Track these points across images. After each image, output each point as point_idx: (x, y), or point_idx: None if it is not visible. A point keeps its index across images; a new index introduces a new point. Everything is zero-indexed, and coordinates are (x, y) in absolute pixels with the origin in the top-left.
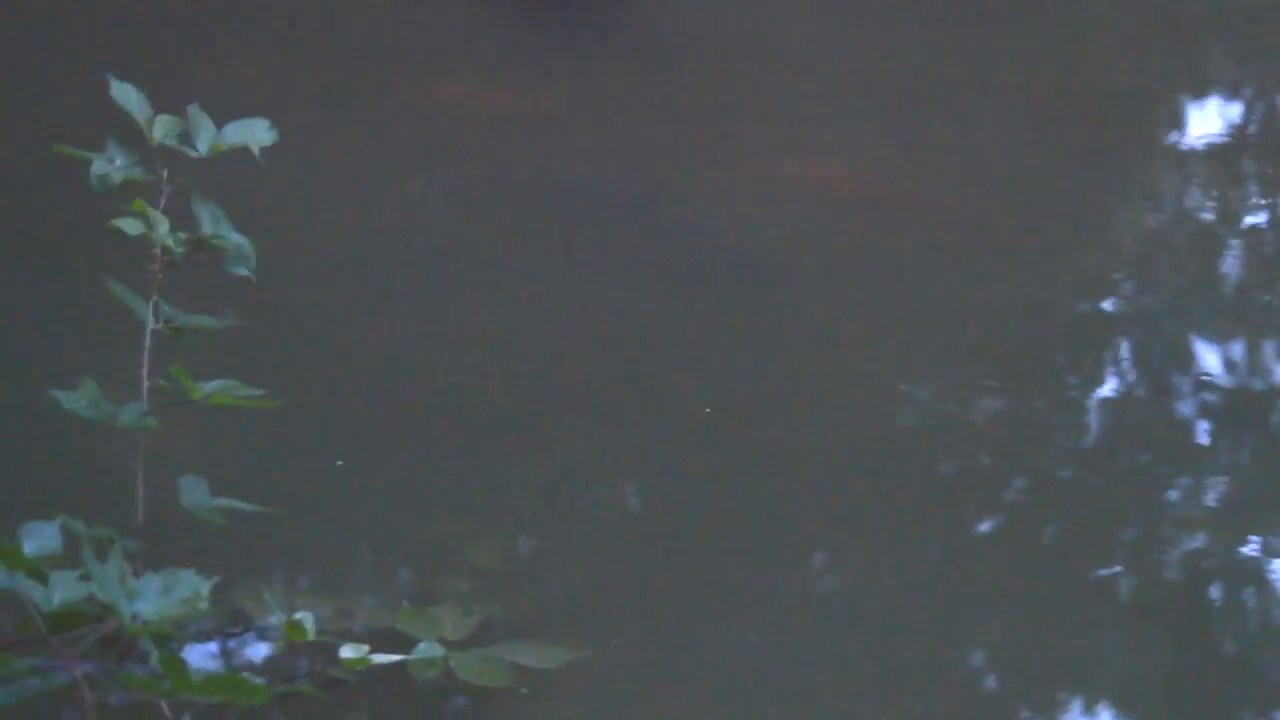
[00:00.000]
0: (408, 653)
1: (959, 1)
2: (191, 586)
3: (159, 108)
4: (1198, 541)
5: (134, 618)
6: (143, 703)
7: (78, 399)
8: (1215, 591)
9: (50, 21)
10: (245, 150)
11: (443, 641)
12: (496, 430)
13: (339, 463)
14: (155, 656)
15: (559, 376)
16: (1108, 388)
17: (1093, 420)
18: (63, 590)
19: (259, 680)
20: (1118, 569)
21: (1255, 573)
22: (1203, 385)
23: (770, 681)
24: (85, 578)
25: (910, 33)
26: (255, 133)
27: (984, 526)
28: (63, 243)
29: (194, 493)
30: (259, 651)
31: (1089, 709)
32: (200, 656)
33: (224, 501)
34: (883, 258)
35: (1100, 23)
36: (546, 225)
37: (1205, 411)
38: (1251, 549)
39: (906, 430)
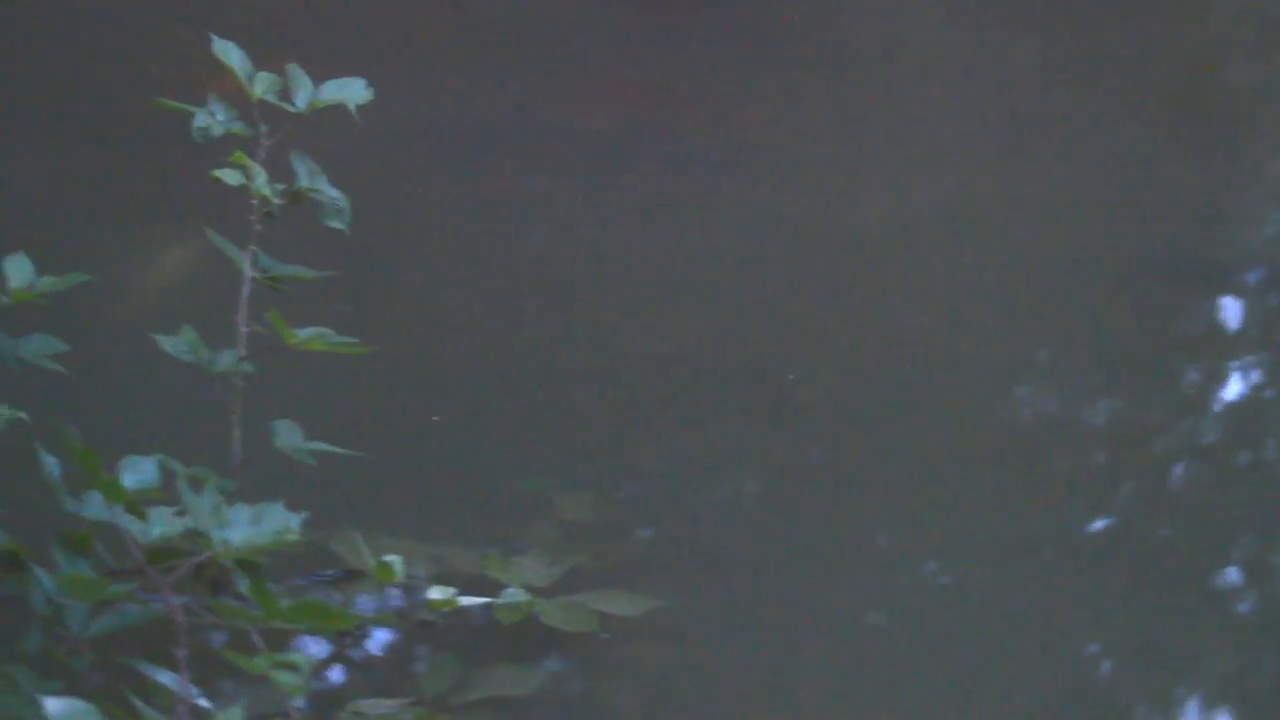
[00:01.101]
0: (494, 598)
1: (1078, 5)
2: (282, 519)
3: (259, 63)
4: None
5: (225, 545)
6: (236, 632)
7: (178, 343)
8: None
9: None
10: (343, 108)
11: (528, 588)
12: (586, 387)
13: (435, 418)
14: (246, 586)
15: (647, 337)
16: (1230, 386)
17: (1211, 418)
18: (160, 524)
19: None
20: (1234, 573)
21: None
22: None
23: (837, 645)
24: (181, 513)
25: (1032, 33)
26: (352, 91)
27: (1096, 527)
28: (165, 193)
29: (288, 435)
30: (350, 592)
31: (1200, 718)
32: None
33: (317, 445)
34: (1002, 254)
35: (1225, 21)
36: (640, 181)
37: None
38: None
39: (1020, 427)
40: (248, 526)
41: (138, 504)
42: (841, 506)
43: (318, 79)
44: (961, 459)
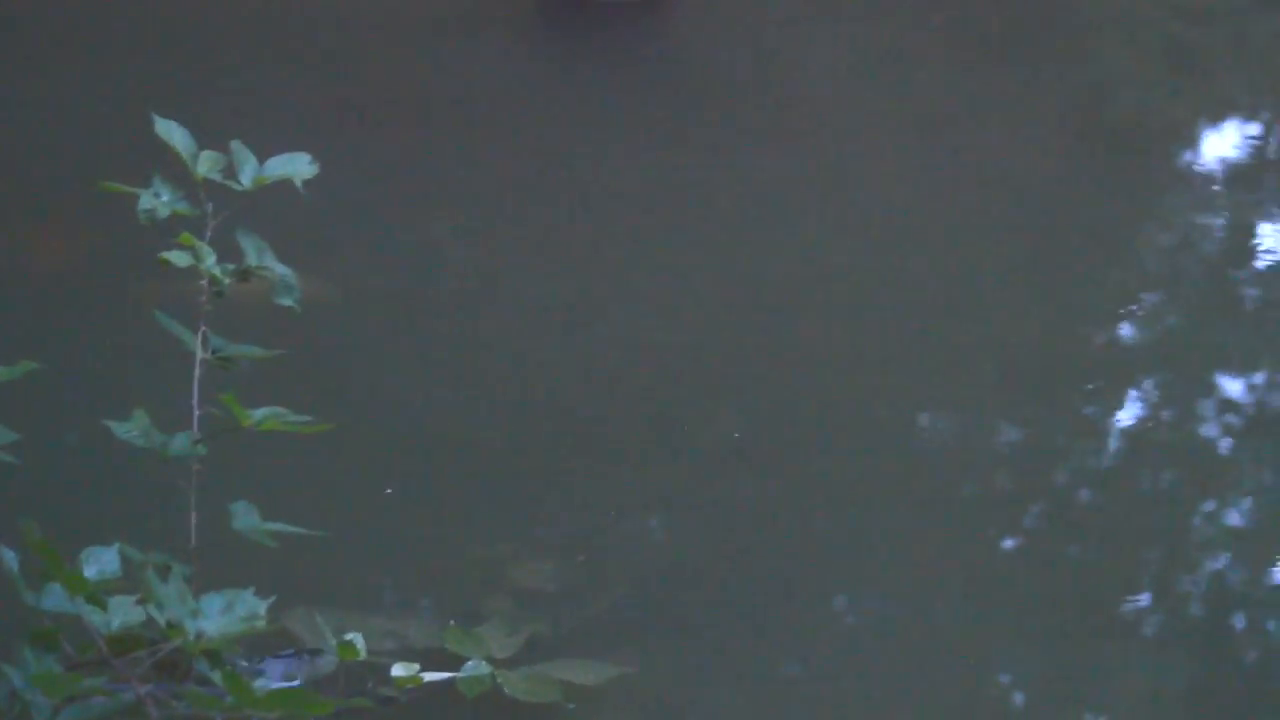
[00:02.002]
0: (457, 670)
1: (979, 37)
2: (251, 606)
3: (201, 142)
4: (1222, 565)
5: (198, 635)
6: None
7: (130, 429)
8: (1240, 617)
9: (94, 59)
10: (288, 183)
11: (490, 660)
12: (538, 455)
13: (388, 490)
14: (218, 674)
15: (599, 404)
16: (1130, 411)
17: (1115, 444)
18: (121, 614)
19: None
20: (1142, 593)
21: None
22: (1225, 406)
23: (800, 701)
24: (142, 601)
25: (933, 68)
26: (297, 166)
27: (1007, 552)
28: (113, 276)
29: (246, 517)
30: (311, 672)
31: None
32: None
33: (275, 525)
34: (906, 284)
35: (1117, 53)
36: (578, 251)
37: (1228, 432)
38: (1275, 574)
39: (929, 456)
40: (220, 616)
41: (98, 594)
42: (788, 566)
43: (263, 153)
44: (889, 494)
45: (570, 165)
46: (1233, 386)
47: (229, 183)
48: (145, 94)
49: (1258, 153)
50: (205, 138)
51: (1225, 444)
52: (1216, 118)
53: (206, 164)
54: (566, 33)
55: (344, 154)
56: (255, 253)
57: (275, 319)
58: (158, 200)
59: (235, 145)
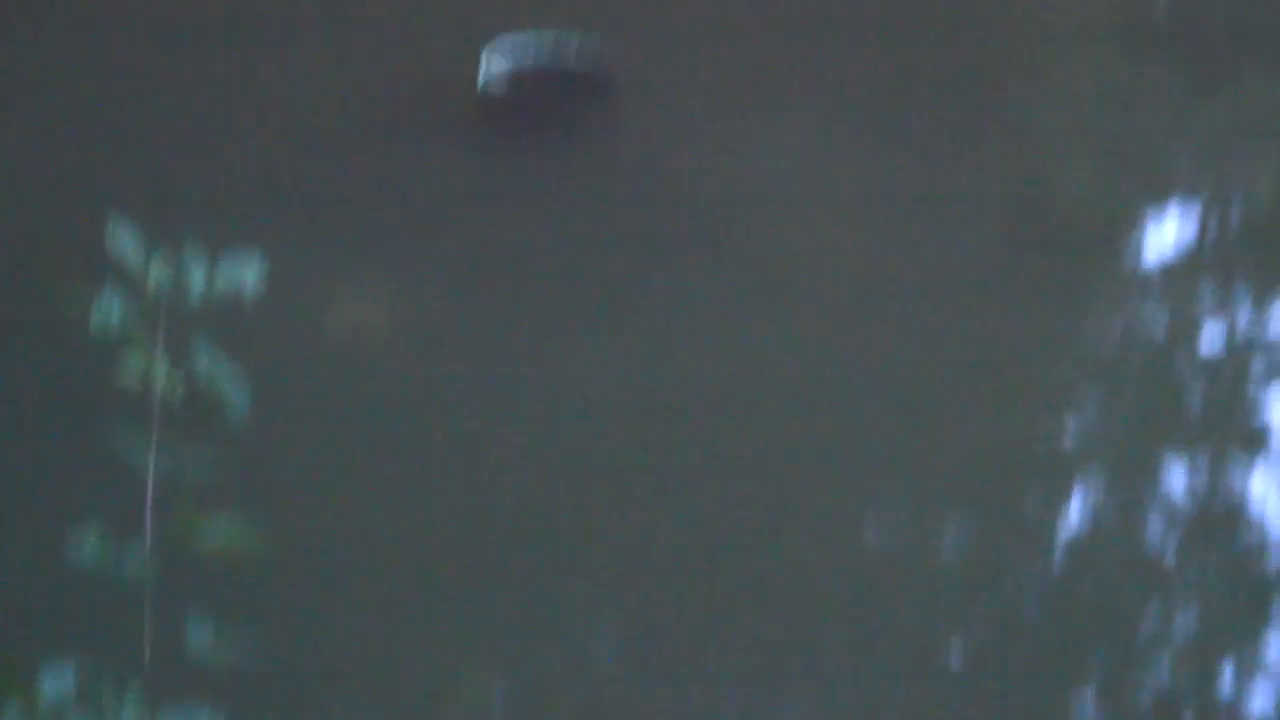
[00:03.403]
0: None
1: (919, 130)
2: None
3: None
4: (1167, 669)
5: None
6: None
7: (82, 548)
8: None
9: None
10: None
11: None
12: (487, 569)
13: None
14: None
15: (537, 520)
16: (1074, 509)
17: (1059, 542)
18: None
19: None
20: (1088, 694)
21: (1227, 700)
22: (1167, 508)
23: None
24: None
25: (878, 159)
26: (247, 269)
27: (953, 660)
28: (65, 389)
29: (199, 636)
30: None
31: None
32: None
33: (228, 644)
34: (847, 384)
35: (1056, 145)
36: (520, 352)
37: (1171, 535)
38: (1222, 674)
39: (873, 565)
40: None
41: (55, 712)
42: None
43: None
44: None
45: (512, 265)
46: (1176, 483)
47: (179, 288)
48: (96, 199)
49: (1198, 243)
50: (156, 241)
51: (1170, 541)
52: (1156, 209)
53: (158, 269)
54: (510, 136)
55: (292, 252)
56: (206, 359)
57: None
58: (109, 309)
59: (186, 249)
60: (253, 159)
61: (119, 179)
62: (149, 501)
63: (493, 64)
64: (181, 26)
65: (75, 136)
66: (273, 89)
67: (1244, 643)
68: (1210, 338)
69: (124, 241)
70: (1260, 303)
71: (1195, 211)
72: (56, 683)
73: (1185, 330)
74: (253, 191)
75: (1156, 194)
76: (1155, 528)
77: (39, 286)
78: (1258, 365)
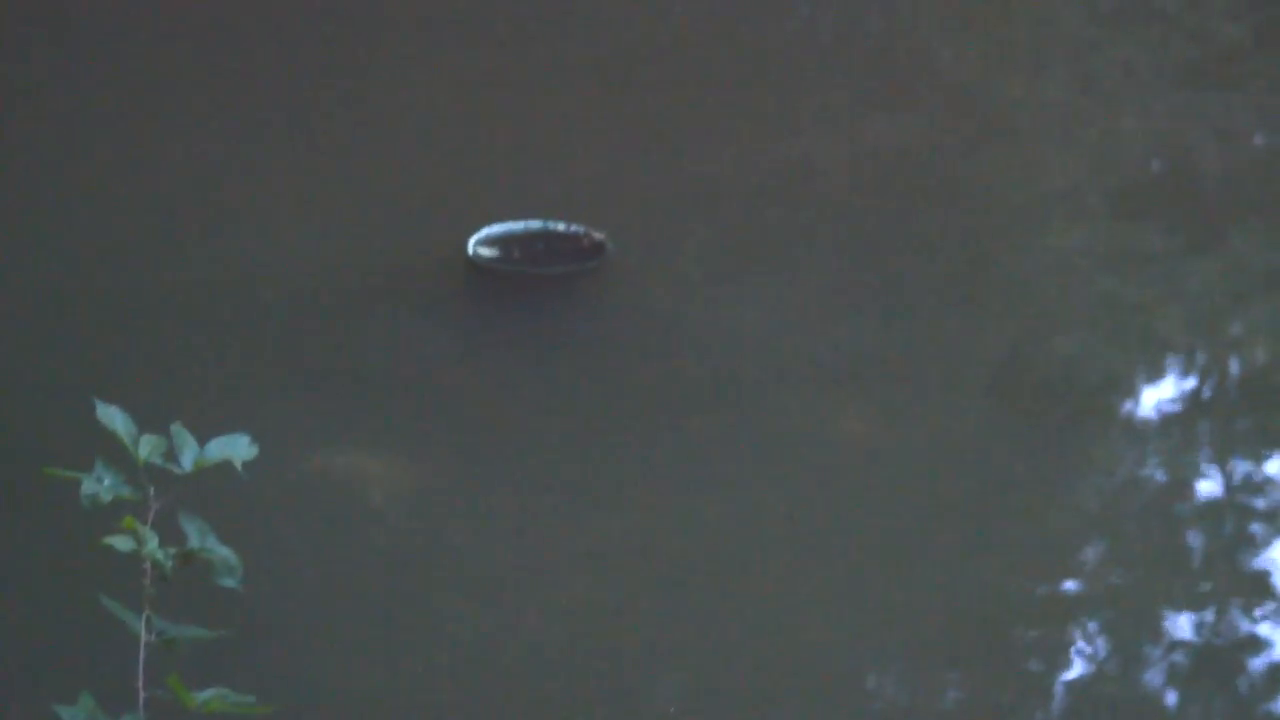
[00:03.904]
0: None
1: (916, 289)
2: None
3: (142, 424)
4: None
5: None
6: None
7: (77, 713)
8: None
9: (34, 342)
10: (229, 464)
11: None
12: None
13: None
14: None
15: (537, 676)
16: (1074, 663)
17: (1060, 697)
18: None
19: None
20: None
21: None
22: (1169, 655)
23: None
24: None
25: (871, 320)
26: (237, 448)
27: None
28: (58, 560)
29: None
30: None
31: None
32: None
33: None
34: (844, 542)
35: (1048, 304)
36: (511, 520)
37: (1172, 679)
38: None
39: (876, 715)
40: None
41: None
42: None
43: (202, 431)
44: None
45: (501, 435)
46: (1178, 633)
47: (170, 466)
48: (86, 377)
49: (1193, 400)
50: (145, 420)
51: (1171, 694)
52: (1150, 367)
53: (147, 448)
54: (497, 303)
55: (279, 426)
56: (198, 535)
57: (220, 596)
58: (100, 485)
59: (175, 428)
60: (237, 332)
61: (106, 357)
62: (141, 667)
63: (481, 238)
64: (166, 201)
65: (64, 316)
66: (257, 262)
67: None
68: (1208, 490)
69: (114, 417)
70: (1257, 458)
71: (1191, 368)
72: None
73: (1183, 483)
74: (242, 367)
75: (1151, 352)
76: (1155, 676)
77: (32, 459)
78: (1256, 518)
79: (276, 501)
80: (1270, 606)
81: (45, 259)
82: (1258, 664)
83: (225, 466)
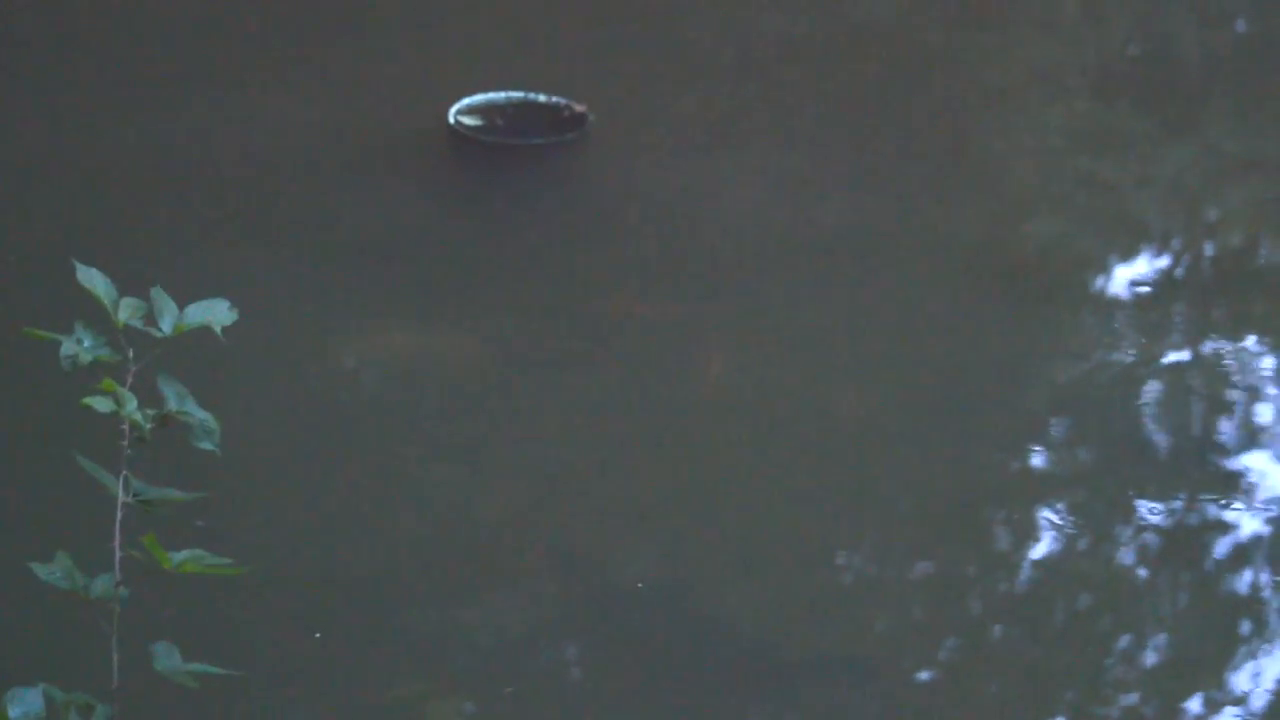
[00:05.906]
0: None
1: (892, 169)
2: None
3: (122, 287)
4: (1138, 697)
5: None
6: None
7: (53, 571)
8: None
9: (15, 207)
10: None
11: None
12: (458, 594)
13: (316, 635)
14: None
15: (510, 541)
16: (1044, 541)
17: (1029, 574)
18: None
19: None
20: None
21: None
22: (1138, 535)
23: None
24: None
25: (846, 198)
26: (216, 312)
27: (923, 685)
28: (36, 421)
29: (167, 658)
30: None
31: None
32: None
33: (196, 666)
34: (816, 419)
35: (1025, 184)
36: (489, 390)
37: (1141, 559)
38: (1193, 703)
39: (842, 594)
40: None
41: None
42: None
43: (182, 295)
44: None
45: (479, 302)
46: (1146, 515)
47: (150, 329)
48: (66, 240)
49: (1166, 282)
50: (125, 282)
51: (1140, 573)
52: (1125, 248)
53: (127, 311)
54: (480, 173)
55: (258, 292)
56: (176, 398)
57: (197, 459)
58: (80, 346)
59: (155, 292)
60: (219, 199)
61: (88, 221)
62: (118, 528)
63: (462, 107)
64: (152, 69)
65: (44, 179)
66: (240, 130)
67: (1214, 672)
68: (1181, 373)
69: (94, 279)
70: (1231, 340)
71: (1165, 250)
72: (22, 707)
73: (1153, 363)
74: (221, 232)
75: (1126, 233)
76: (1125, 556)
77: (9, 323)
78: (1228, 400)
79: (253, 366)
80: (1239, 489)
81: (24, 121)
82: (1224, 545)
83: (205, 331)
